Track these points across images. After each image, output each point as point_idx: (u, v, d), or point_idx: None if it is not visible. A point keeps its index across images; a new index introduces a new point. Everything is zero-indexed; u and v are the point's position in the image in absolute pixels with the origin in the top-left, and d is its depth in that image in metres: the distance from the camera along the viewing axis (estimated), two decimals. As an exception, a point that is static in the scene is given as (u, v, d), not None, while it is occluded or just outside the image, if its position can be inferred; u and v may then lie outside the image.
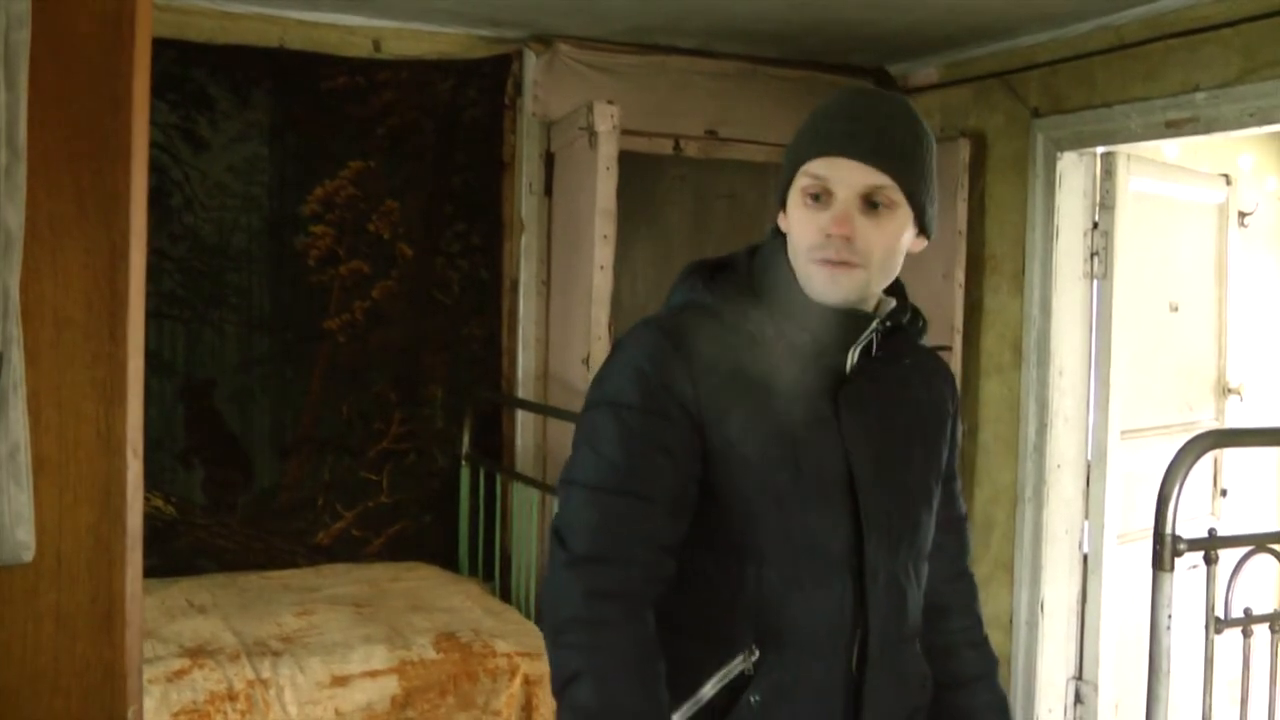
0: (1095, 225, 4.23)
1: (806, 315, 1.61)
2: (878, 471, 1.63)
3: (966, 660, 1.85)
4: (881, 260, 1.58)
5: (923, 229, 1.64)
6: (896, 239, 1.59)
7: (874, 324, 1.64)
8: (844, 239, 1.55)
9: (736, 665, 1.58)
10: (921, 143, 1.60)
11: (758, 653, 1.58)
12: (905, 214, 1.59)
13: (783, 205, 1.64)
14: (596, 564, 1.53)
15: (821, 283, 1.58)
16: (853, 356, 1.63)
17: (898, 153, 1.56)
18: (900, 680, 1.68)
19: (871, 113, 1.59)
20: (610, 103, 4.02)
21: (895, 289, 1.72)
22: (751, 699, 1.58)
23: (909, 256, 1.67)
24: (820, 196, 1.57)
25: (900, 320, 1.70)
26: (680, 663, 1.57)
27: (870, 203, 1.56)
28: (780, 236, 1.66)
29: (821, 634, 1.60)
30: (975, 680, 1.86)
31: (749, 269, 1.66)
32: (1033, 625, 4.27)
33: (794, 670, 1.59)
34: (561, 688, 1.52)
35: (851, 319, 1.62)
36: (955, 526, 1.84)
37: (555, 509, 1.63)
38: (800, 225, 1.59)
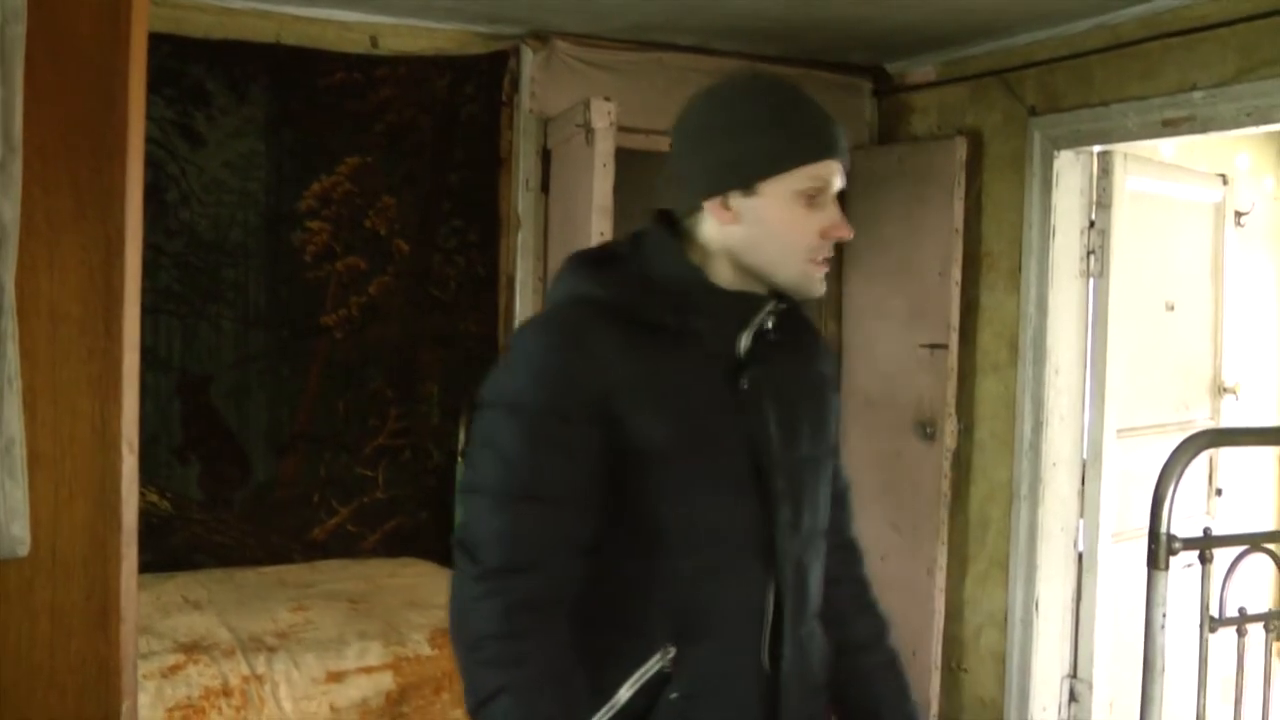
0: (1092, 224, 4.23)
1: (707, 303, 1.62)
2: (779, 453, 1.64)
3: (858, 625, 1.87)
4: None
5: None
6: None
7: (769, 306, 1.65)
8: (841, 240, 1.61)
9: (654, 664, 1.56)
10: None
11: (674, 649, 1.57)
12: None
13: (719, 194, 1.61)
14: (510, 575, 1.50)
15: (816, 281, 1.62)
16: (745, 340, 1.64)
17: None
18: (809, 660, 1.70)
19: (824, 112, 1.63)
20: (607, 100, 4.01)
21: None
22: (671, 696, 1.56)
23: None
24: (815, 197, 1.59)
25: (792, 300, 1.70)
26: (596, 664, 1.55)
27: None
28: (669, 225, 1.66)
29: (738, 622, 1.61)
30: (868, 643, 1.88)
31: (639, 260, 1.65)
32: (1028, 623, 4.28)
33: (712, 663, 1.59)
34: (478, 706, 1.50)
35: (749, 302, 1.64)
36: (841, 499, 1.89)
37: (462, 515, 1.57)
38: (799, 224, 1.59)
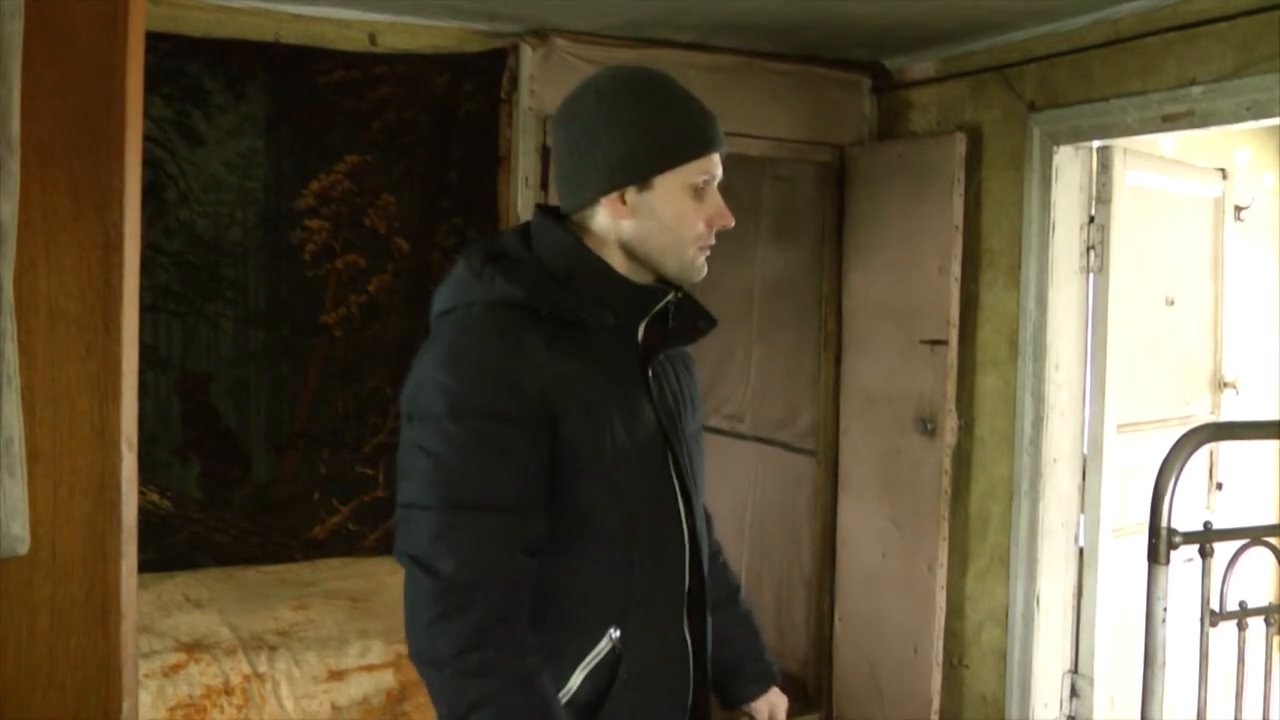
0: (1091, 219, 4.23)
1: (616, 296, 1.68)
2: (681, 436, 1.75)
3: (717, 587, 1.95)
4: None
5: None
6: None
7: (670, 295, 1.73)
8: (725, 228, 1.72)
9: (603, 646, 1.62)
10: None
11: (619, 631, 1.63)
12: None
13: (616, 190, 1.67)
14: (474, 588, 1.52)
15: (699, 268, 1.73)
16: (642, 329, 1.73)
17: None
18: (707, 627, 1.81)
19: (706, 107, 1.74)
20: (606, 97, 4.01)
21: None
22: (624, 675, 1.63)
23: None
24: (701, 189, 1.70)
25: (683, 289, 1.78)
26: (548, 657, 1.59)
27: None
28: (556, 220, 1.71)
29: (667, 601, 1.71)
30: (725, 603, 1.99)
31: (539, 256, 1.68)
32: (1028, 619, 4.28)
33: (652, 642, 1.68)
34: (464, 714, 1.51)
35: (651, 293, 1.72)
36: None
37: (411, 531, 1.56)
38: (688, 215, 1.68)
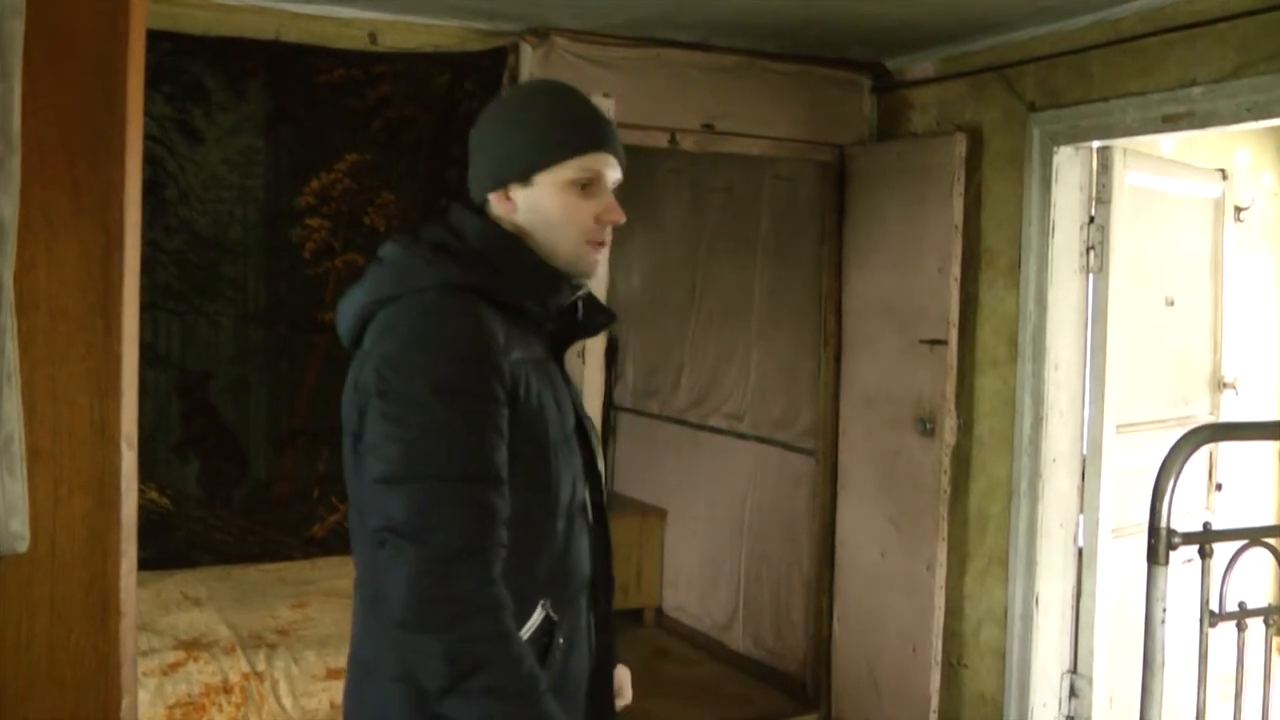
0: (1091, 220, 4.23)
1: (546, 287, 1.79)
2: (589, 424, 1.88)
3: None
4: None
5: None
6: None
7: (581, 290, 1.86)
8: (616, 225, 1.80)
9: (539, 615, 1.72)
10: None
11: (550, 601, 1.74)
12: None
13: (501, 186, 1.79)
14: (464, 556, 1.57)
15: (591, 262, 1.81)
16: (551, 321, 1.83)
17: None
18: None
19: (601, 112, 1.85)
20: (606, 96, 4.01)
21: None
22: (559, 641, 1.75)
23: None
24: (588, 186, 1.78)
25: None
26: None
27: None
28: (483, 216, 1.81)
29: (584, 573, 1.83)
30: None
31: (474, 249, 1.76)
32: (1027, 619, 4.28)
33: (577, 615, 1.81)
34: (456, 682, 1.55)
35: (569, 286, 1.83)
36: None
37: (396, 504, 1.59)
38: (573, 210, 1.78)
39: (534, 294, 1.77)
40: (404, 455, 1.59)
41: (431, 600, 1.55)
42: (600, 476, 1.90)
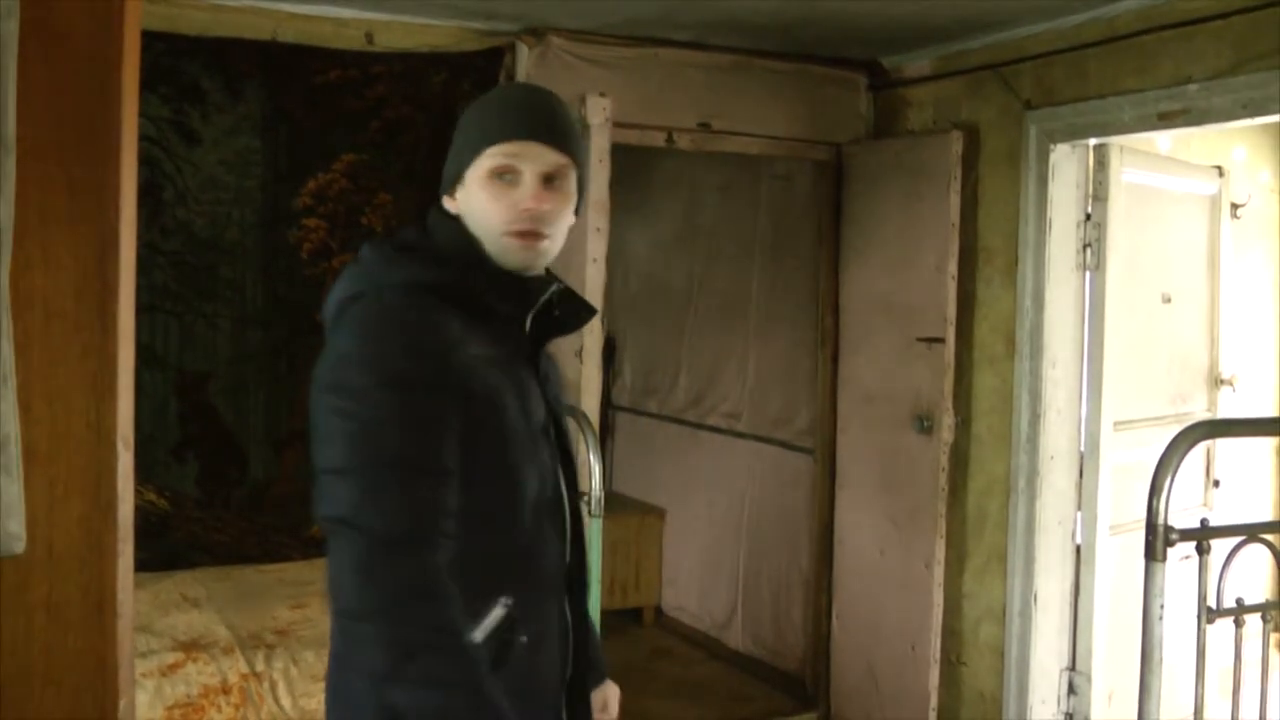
0: (1088, 217, 4.23)
1: (507, 286, 1.77)
2: (564, 424, 1.89)
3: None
4: (561, 232, 1.80)
5: (579, 206, 1.85)
6: (570, 213, 1.81)
7: (553, 287, 1.82)
8: (536, 213, 1.74)
9: (498, 611, 1.70)
10: (581, 131, 1.84)
11: (513, 598, 1.72)
12: (574, 191, 1.80)
13: (450, 190, 1.81)
14: (403, 544, 1.58)
15: (518, 253, 1.76)
16: (529, 320, 1.81)
17: (573, 136, 1.79)
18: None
19: (543, 102, 1.81)
20: (603, 95, 4.02)
21: None
22: (521, 639, 1.72)
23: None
24: (506, 176, 1.75)
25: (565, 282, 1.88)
26: None
27: (549, 180, 1.76)
28: (451, 217, 1.82)
29: (554, 573, 1.81)
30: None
31: (440, 249, 1.78)
32: (1026, 616, 4.28)
33: (544, 613, 1.79)
34: (396, 664, 1.55)
35: (535, 284, 1.80)
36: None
37: (343, 493, 1.61)
38: (491, 203, 1.75)
39: (494, 293, 1.75)
40: (350, 446, 1.61)
41: (370, 587, 1.56)
42: (571, 478, 1.88)
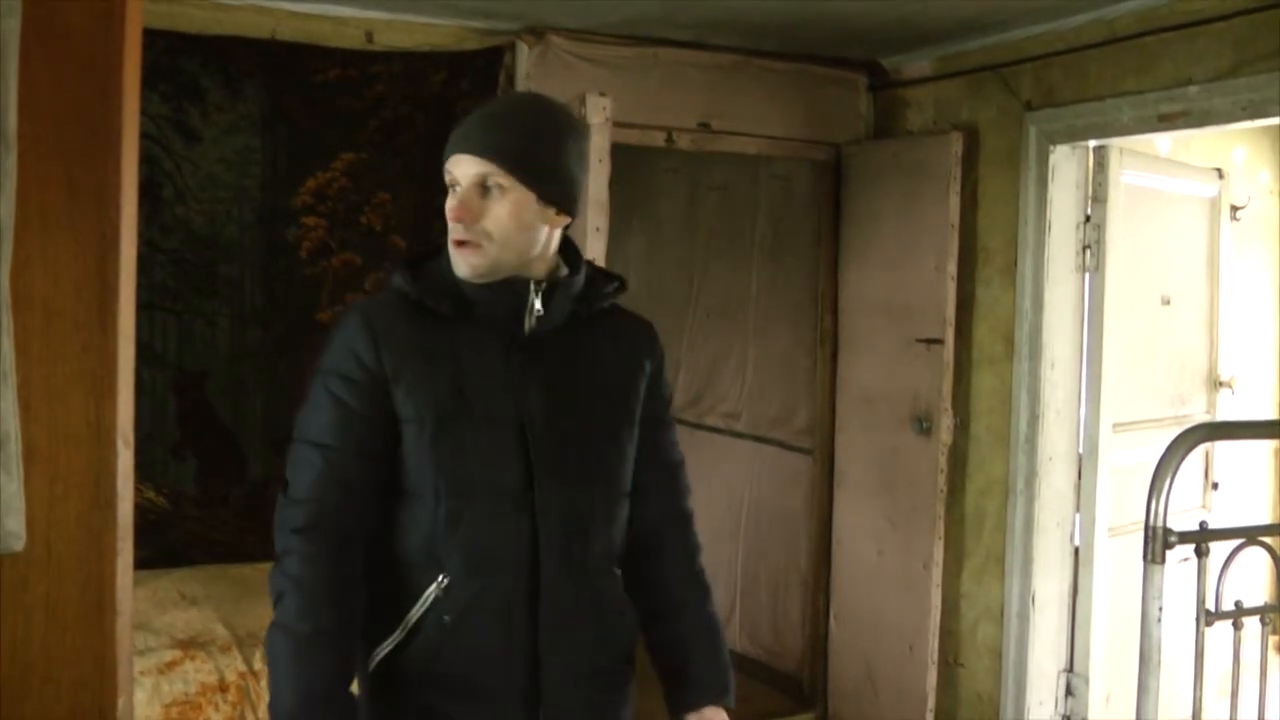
0: (1087, 218, 4.24)
1: (474, 290, 1.88)
2: (550, 421, 1.89)
3: (675, 589, 2.08)
4: (504, 236, 1.84)
5: (556, 206, 1.89)
6: (515, 217, 1.84)
7: (532, 289, 1.89)
8: (463, 221, 1.83)
9: (433, 591, 1.84)
10: (540, 133, 1.87)
11: (447, 579, 1.83)
12: (521, 194, 1.84)
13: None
14: (299, 505, 1.83)
15: (457, 261, 1.87)
16: (530, 321, 1.90)
17: (501, 144, 1.83)
18: (589, 602, 1.92)
19: (489, 114, 1.89)
20: (603, 95, 4.01)
21: (573, 258, 1.99)
22: (444, 618, 1.84)
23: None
24: (456, 188, 1.86)
25: (561, 280, 1.93)
26: (402, 592, 1.86)
27: (484, 188, 1.84)
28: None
29: (500, 559, 1.86)
30: (684, 606, 2.07)
31: (440, 258, 1.93)
32: (1024, 617, 4.29)
33: (479, 596, 1.84)
34: (273, 605, 1.81)
35: (514, 287, 1.88)
36: (669, 471, 2.11)
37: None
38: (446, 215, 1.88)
39: (445, 302, 1.88)
40: (295, 423, 1.91)
41: (275, 535, 1.84)
42: (549, 480, 1.88)
